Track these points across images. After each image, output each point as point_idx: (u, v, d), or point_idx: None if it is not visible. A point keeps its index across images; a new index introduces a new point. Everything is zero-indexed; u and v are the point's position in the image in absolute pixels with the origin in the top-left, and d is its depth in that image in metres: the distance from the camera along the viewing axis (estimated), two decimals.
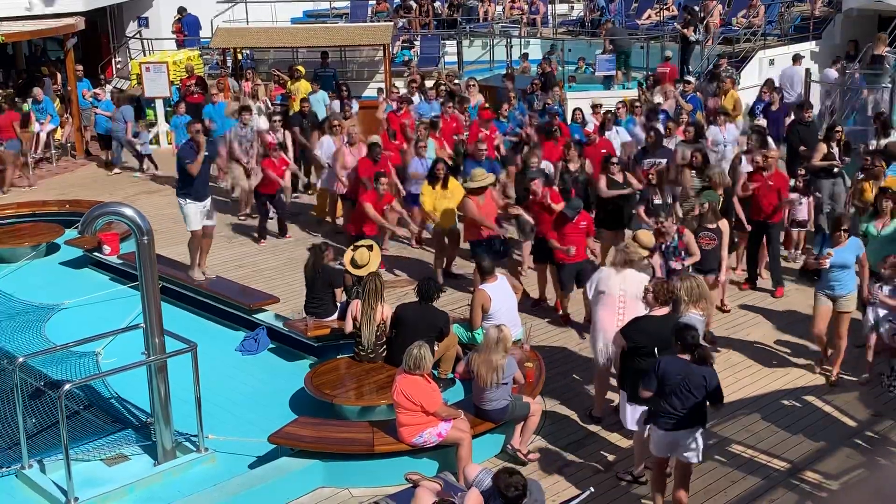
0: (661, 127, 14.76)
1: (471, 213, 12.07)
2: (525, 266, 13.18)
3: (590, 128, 16.03)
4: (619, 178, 12.80)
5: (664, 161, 13.63)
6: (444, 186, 12.96)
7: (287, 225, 15.55)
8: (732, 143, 14.79)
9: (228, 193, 16.97)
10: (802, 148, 14.26)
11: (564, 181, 12.92)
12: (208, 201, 12.73)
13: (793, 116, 15.68)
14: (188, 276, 12.70)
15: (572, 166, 13.47)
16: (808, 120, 14.93)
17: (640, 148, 14.58)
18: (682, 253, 10.66)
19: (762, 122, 16.39)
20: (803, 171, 13.22)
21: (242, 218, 16.25)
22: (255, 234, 15.35)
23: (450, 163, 14.05)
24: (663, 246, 10.61)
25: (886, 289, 9.80)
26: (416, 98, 18.12)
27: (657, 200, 12.37)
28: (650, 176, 12.77)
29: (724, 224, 11.21)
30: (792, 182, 12.95)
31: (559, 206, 11.54)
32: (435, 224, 13.18)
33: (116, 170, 19.76)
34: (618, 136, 15.33)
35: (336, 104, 18.19)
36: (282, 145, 16.22)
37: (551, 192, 11.80)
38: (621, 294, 9.23)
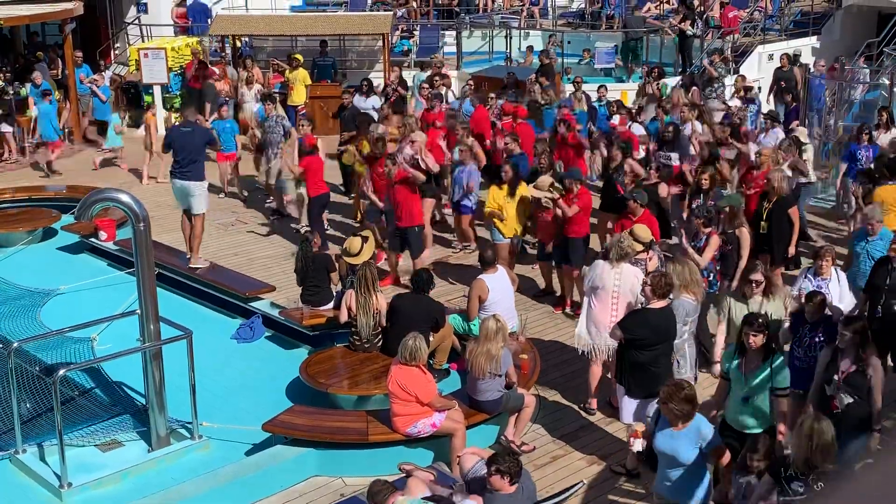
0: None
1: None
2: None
3: (615, 121, 15.21)
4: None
5: (675, 156, 13.04)
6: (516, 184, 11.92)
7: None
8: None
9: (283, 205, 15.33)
10: None
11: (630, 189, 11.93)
12: None
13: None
14: (186, 263, 12.53)
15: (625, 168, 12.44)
16: None
17: (656, 141, 13.89)
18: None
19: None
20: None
21: (302, 227, 14.37)
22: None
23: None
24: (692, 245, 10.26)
25: None
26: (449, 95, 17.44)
27: (694, 204, 11.64)
28: (702, 182, 11.86)
29: (741, 232, 10.64)
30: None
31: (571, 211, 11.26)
32: (500, 230, 11.97)
33: None
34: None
35: (372, 101, 17.10)
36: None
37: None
38: (615, 290, 9.22)
